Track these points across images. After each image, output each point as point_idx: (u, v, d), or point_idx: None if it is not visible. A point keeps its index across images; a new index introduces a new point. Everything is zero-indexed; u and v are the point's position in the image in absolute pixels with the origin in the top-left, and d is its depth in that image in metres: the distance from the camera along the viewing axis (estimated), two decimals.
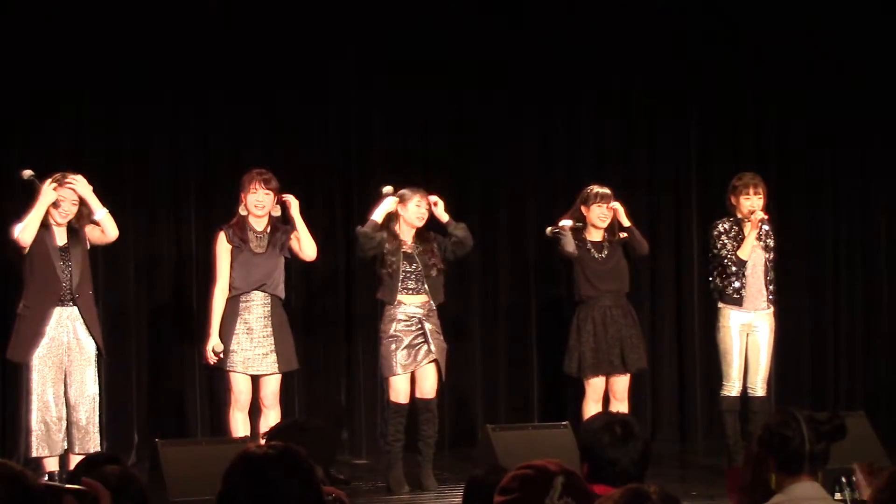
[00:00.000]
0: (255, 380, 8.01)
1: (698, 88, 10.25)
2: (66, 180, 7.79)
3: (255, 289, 7.97)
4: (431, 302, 8.23)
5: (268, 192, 7.96)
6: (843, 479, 6.27)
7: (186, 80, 9.37)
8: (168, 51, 9.31)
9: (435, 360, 8.17)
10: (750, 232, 8.48)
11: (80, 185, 7.79)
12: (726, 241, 8.54)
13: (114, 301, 9.13)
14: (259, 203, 7.97)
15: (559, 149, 10.14)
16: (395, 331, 8.15)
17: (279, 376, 8.02)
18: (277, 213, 8.06)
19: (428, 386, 8.21)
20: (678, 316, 9.60)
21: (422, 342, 8.16)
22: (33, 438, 7.67)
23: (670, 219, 9.92)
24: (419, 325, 8.16)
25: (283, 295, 8.10)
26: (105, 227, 7.85)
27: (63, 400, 7.69)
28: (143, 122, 9.36)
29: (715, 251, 8.58)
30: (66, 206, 7.79)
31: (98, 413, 7.81)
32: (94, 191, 7.89)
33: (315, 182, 9.71)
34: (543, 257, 9.82)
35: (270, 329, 7.98)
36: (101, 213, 7.84)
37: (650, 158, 10.28)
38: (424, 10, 9.73)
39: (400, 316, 8.16)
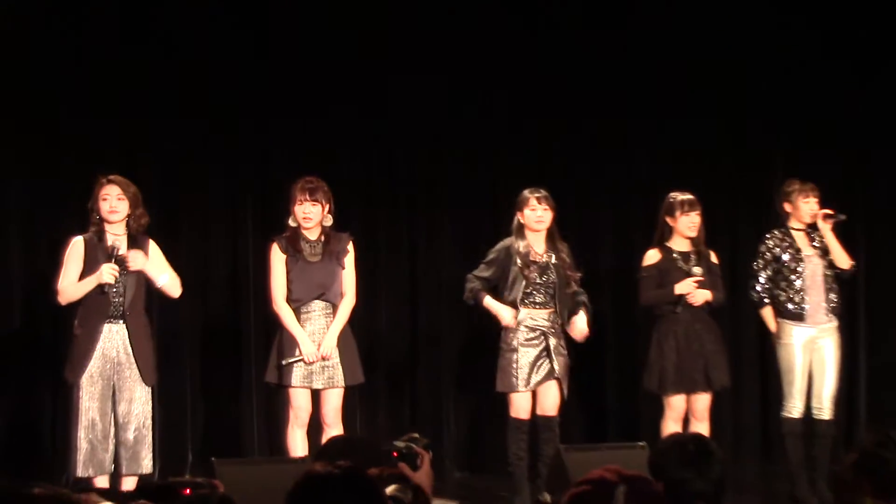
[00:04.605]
0: (316, 395, 7.97)
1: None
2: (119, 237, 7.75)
3: (316, 298, 7.96)
4: (558, 316, 8.25)
5: (314, 202, 7.97)
6: None
7: (245, 93, 9.49)
8: (228, 65, 9.46)
9: (557, 378, 8.17)
10: (825, 234, 8.50)
11: (137, 262, 7.69)
12: (780, 254, 8.53)
13: (168, 317, 9.16)
14: (306, 215, 7.99)
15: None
16: (517, 343, 8.17)
17: (342, 391, 7.99)
18: (329, 222, 8.06)
19: (550, 402, 8.22)
20: (760, 329, 9.37)
21: (545, 358, 8.17)
22: (80, 457, 7.64)
23: (752, 229, 9.75)
24: (543, 339, 8.16)
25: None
26: (169, 290, 7.87)
27: (111, 418, 7.64)
28: (202, 132, 9.47)
29: (763, 262, 8.57)
30: (112, 203, 7.72)
31: (150, 433, 7.74)
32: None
33: (374, 196, 9.82)
34: (614, 267, 9.83)
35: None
36: (162, 279, 7.81)
37: (735, 162, 10.22)
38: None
39: (523, 327, 8.18)
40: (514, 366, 8.16)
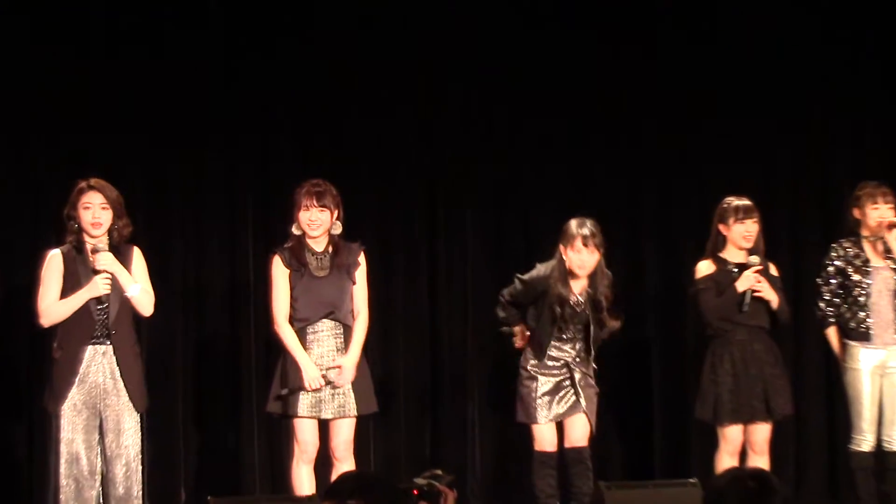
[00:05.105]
0: (325, 426, 7.71)
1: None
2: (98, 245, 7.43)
3: (324, 317, 7.68)
4: (585, 351, 8.07)
5: (322, 208, 7.68)
6: None
7: (245, 93, 9.37)
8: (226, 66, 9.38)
9: (584, 412, 8.04)
10: (891, 244, 8.27)
11: (106, 262, 7.36)
12: (844, 266, 8.36)
13: (158, 335, 8.92)
14: (313, 222, 7.70)
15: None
16: (537, 371, 8.01)
17: (353, 421, 7.72)
18: (338, 230, 7.73)
19: (578, 433, 8.04)
20: (827, 351, 8.99)
21: (569, 388, 8.01)
22: (62, 496, 7.34)
23: (819, 238, 9.44)
24: (566, 370, 8.00)
25: (352, 323, 7.79)
26: (138, 305, 7.48)
27: (97, 451, 7.35)
28: (196, 135, 9.31)
29: (826, 276, 8.38)
30: (95, 213, 7.39)
31: (140, 467, 7.45)
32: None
33: (388, 200, 9.57)
34: (663, 285, 9.66)
35: None
36: (133, 289, 7.45)
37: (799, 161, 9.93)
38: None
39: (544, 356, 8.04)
40: (533, 395, 8.00)
